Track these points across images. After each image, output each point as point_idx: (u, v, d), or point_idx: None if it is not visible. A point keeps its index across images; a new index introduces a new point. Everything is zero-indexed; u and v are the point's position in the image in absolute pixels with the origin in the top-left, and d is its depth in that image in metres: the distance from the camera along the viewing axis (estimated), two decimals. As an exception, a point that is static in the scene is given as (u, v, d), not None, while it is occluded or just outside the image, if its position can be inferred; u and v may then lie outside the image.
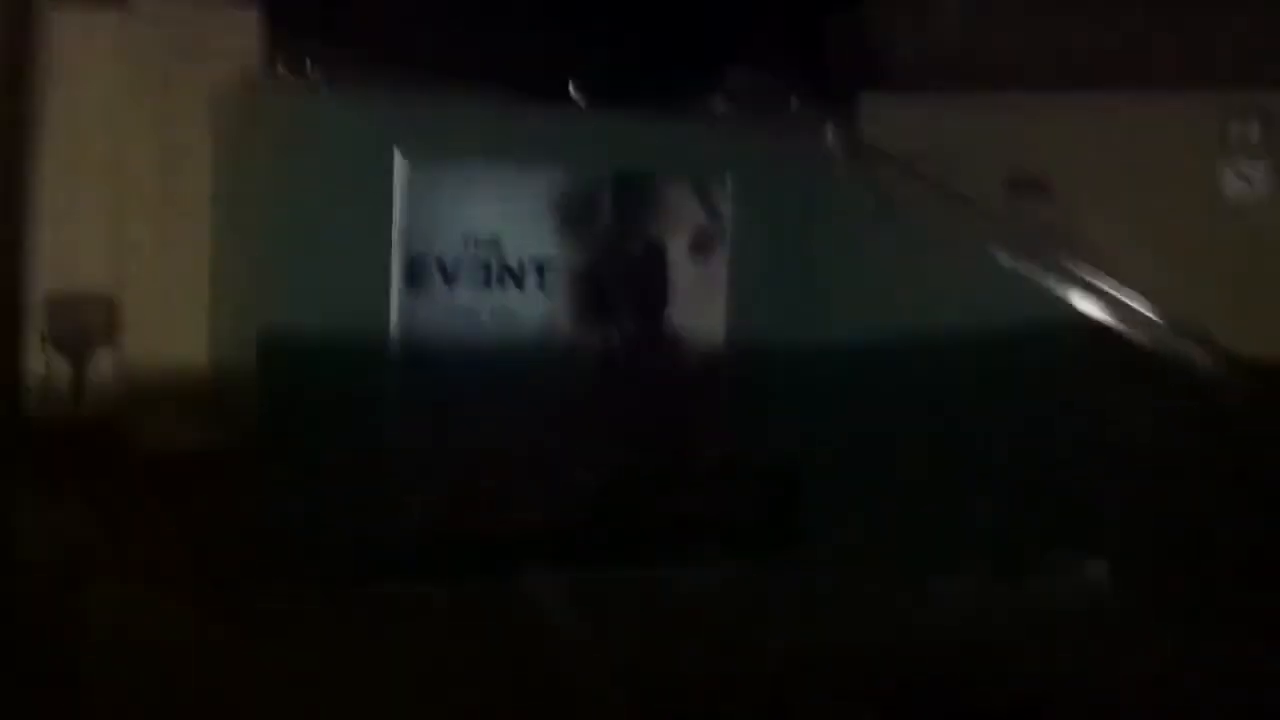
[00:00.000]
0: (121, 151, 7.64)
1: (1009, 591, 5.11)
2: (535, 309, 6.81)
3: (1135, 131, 9.16)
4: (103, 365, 7.22)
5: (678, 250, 7.20)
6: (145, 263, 7.25)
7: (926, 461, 7.06)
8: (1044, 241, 7.50)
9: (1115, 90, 9.45)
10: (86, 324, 7.12)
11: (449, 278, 6.45)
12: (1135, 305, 7.27)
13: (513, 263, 6.67)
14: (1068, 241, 7.89)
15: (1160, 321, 7.06)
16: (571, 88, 7.24)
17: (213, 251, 7.33)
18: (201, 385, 7.42)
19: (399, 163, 6.76)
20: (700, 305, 7.18)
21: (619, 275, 7.05)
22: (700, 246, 7.30)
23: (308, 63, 6.81)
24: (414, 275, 6.51)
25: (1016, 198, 8.79)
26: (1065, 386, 7.02)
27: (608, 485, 6.67)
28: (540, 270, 6.71)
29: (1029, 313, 7.12)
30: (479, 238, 6.60)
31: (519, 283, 6.54)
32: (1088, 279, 7.31)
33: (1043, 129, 9.38)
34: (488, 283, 6.53)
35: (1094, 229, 8.93)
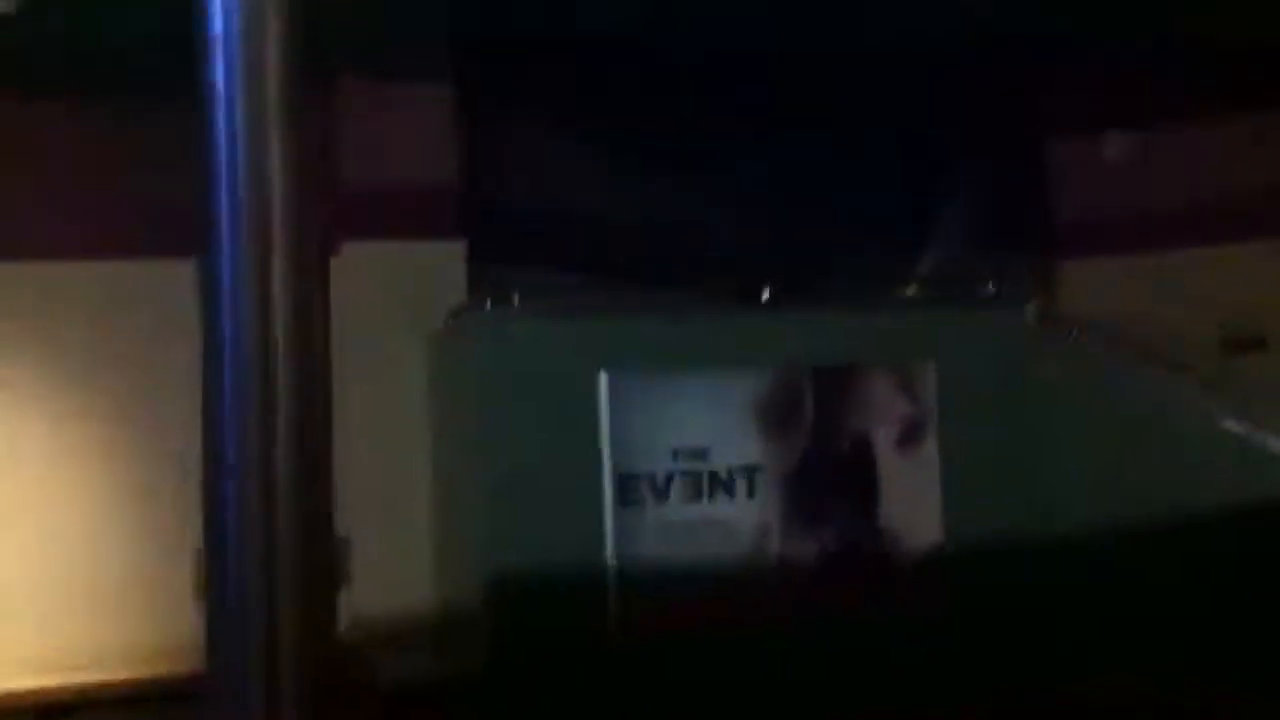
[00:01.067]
0: (344, 391, 7.93)
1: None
2: (747, 518, 6.76)
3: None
4: (339, 604, 7.38)
5: (885, 444, 7.09)
6: (371, 501, 7.44)
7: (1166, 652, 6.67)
8: (1266, 397, 7.11)
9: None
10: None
11: (660, 494, 6.48)
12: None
13: (722, 472, 6.67)
14: (1293, 398, 7.34)
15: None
16: (764, 288, 7.25)
17: (434, 486, 7.51)
18: (430, 620, 7.55)
19: (605, 381, 6.87)
20: (913, 500, 7.01)
21: (828, 476, 6.97)
22: (908, 439, 7.19)
23: (513, 291, 7.00)
24: (626, 495, 6.56)
25: (1235, 357, 8.42)
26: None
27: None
28: (750, 478, 6.69)
29: (1265, 482, 6.70)
30: (687, 450, 6.63)
31: (729, 492, 6.52)
32: (1320, 437, 6.80)
33: (1254, 279, 8.96)
34: (698, 496, 6.54)
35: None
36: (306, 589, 1.63)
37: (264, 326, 1.60)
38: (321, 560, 1.64)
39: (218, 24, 1.58)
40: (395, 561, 8.36)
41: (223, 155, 1.62)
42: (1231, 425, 7.31)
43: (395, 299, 8.44)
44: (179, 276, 5.59)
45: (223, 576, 1.62)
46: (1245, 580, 7.00)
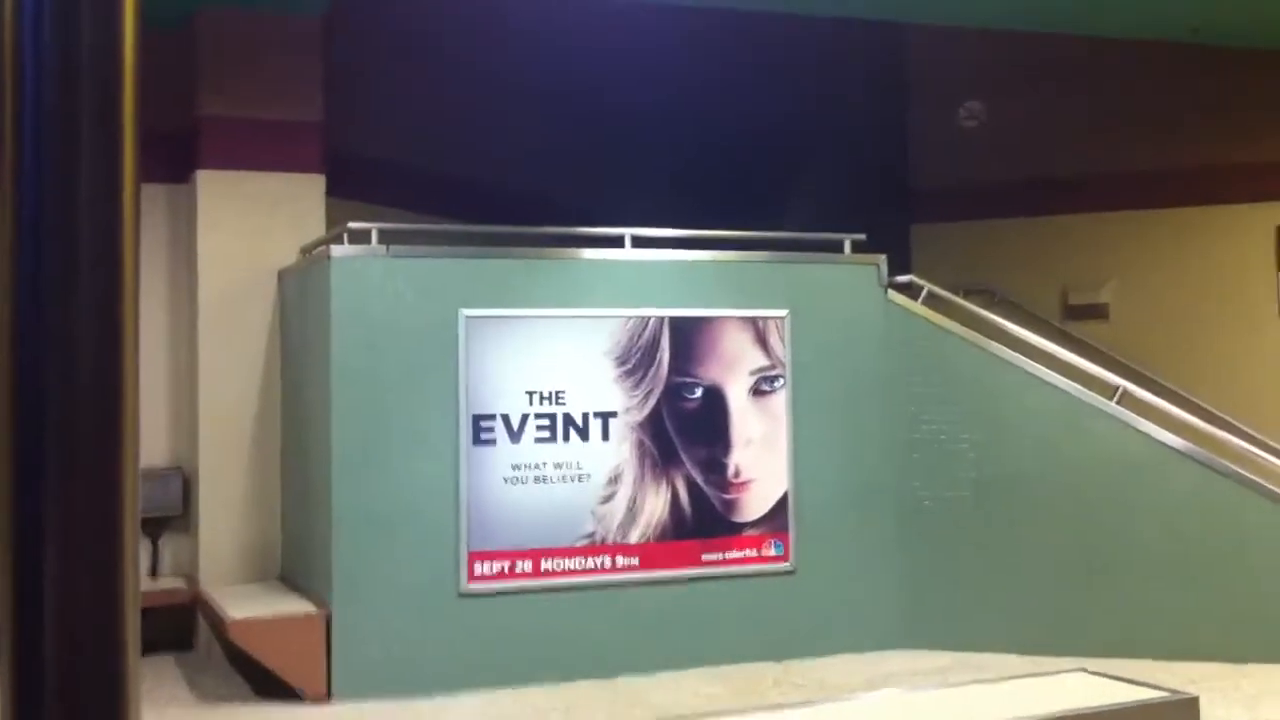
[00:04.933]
0: (191, 323, 7.84)
1: None
2: (600, 463, 6.82)
3: (1190, 244, 9.24)
4: (178, 537, 7.32)
5: (738, 393, 7.20)
6: (217, 434, 7.34)
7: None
8: (1103, 364, 7.42)
9: (1163, 208, 9.50)
10: (162, 498, 7.26)
11: (515, 434, 6.48)
12: (1198, 424, 7.13)
13: (576, 415, 6.72)
14: (1126, 363, 7.84)
15: (1230, 440, 6.90)
16: (626, 235, 7.30)
17: (284, 421, 7.45)
18: (279, 554, 7.50)
19: (463, 322, 6.87)
20: (764, 446, 7.13)
21: (681, 422, 7.06)
22: (761, 388, 7.30)
23: (372, 229, 6.94)
24: (480, 434, 6.55)
25: (1074, 321, 8.81)
26: (1132, 508, 6.90)
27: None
28: (604, 422, 6.73)
29: (1089, 436, 7.01)
30: (543, 393, 6.66)
31: (584, 436, 6.56)
32: (1146, 399, 7.22)
33: (1093, 248, 9.46)
34: (553, 437, 6.57)
35: (1153, 344, 8.93)
36: (105, 528, 1.57)
37: (67, 251, 1.54)
38: (125, 497, 1.58)
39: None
40: (244, 496, 8.24)
41: (28, 56, 1.54)
42: (1061, 383, 7.59)
43: (250, 229, 8.25)
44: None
45: (18, 517, 1.56)
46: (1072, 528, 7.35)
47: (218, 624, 7.03)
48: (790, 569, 7.37)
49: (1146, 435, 7.37)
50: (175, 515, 8.04)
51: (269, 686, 6.66)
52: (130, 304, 1.61)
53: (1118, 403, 7.51)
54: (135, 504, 1.62)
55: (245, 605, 6.91)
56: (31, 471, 1.56)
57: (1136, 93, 9.74)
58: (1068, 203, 10.00)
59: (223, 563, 7.89)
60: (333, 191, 8.37)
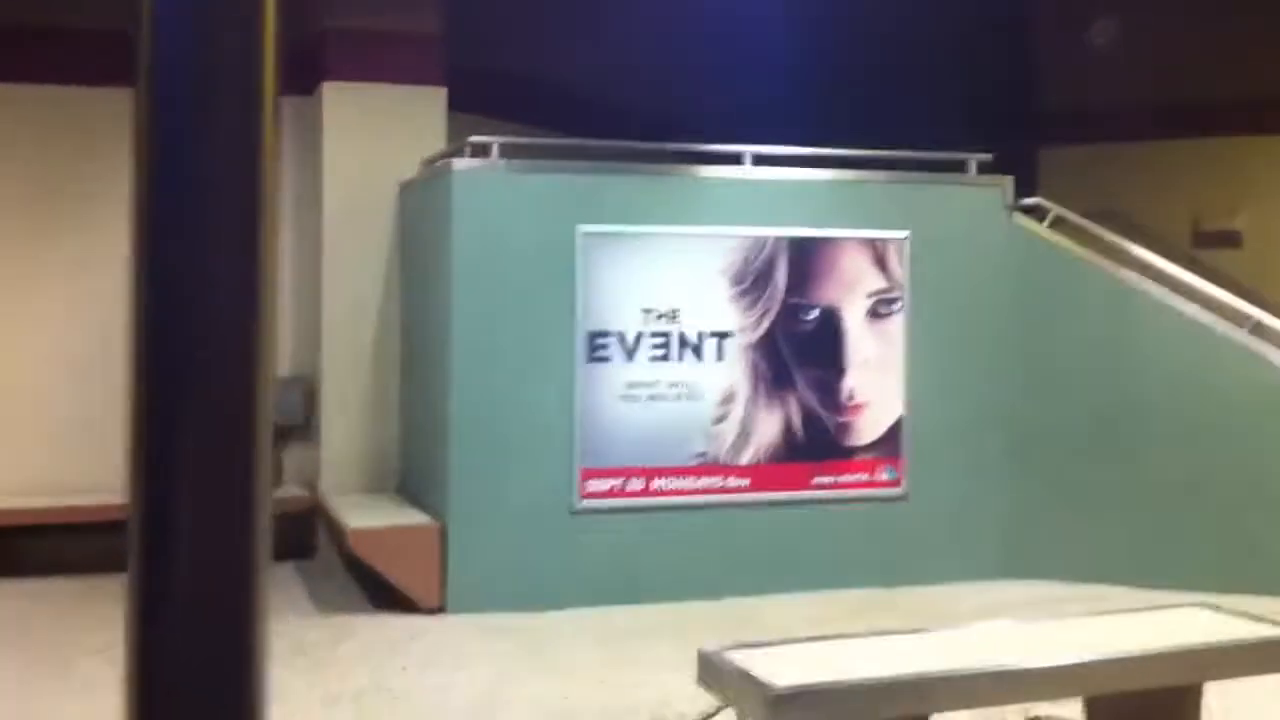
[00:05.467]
0: (314, 234, 7.94)
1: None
2: (714, 382, 6.81)
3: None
4: (299, 446, 7.47)
5: (855, 315, 7.12)
6: (339, 345, 7.45)
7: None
8: (1233, 292, 7.17)
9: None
10: (284, 408, 7.41)
11: (630, 352, 6.51)
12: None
13: (691, 335, 6.71)
14: (1257, 291, 7.55)
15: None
16: (747, 152, 7.22)
17: (403, 333, 7.54)
18: (397, 466, 7.63)
19: (581, 237, 6.88)
20: (880, 370, 7.05)
21: (796, 343, 7.01)
22: (878, 311, 7.20)
23: (492, 144, 6.96)
24: (596, 351, 6.59)
25: (1204, 248, 8.52)
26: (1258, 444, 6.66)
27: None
28: (719, 342, 6.72)
29: (1219, 366, 6.78)
30: (659, 311, 6.66)
31: (698, 355, 6.55)
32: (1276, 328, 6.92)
33: (1226, 174, 9.11)
34: (666, 356, 6.57)
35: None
36: (237, 431, 1.56)
37: (203, 162, 1.52)
38: (257, 403, 1.57)
39: None
40: (364, 407, 8.40)
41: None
42: (1189, 309, 7.36)
43: (373, 141, 8.34)
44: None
45: (149, 416, 1.56)
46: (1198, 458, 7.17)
47: (337, 533, 7.21)
48: (903, 494, 7.35)
49: (1278, 367, 7.14)
50: (297, 425, 8.22)
51: (385, 596, 6.83)
52: (268, 233, 1.60)
53: (1250, 333, 7.28)
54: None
55: (364, 515, 7.08)
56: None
57: (1270, 15, 9.33)
58: (1198, 127, 9.60)
59: (342, 473, 8.00)
60: (455, 105, 8.41)
